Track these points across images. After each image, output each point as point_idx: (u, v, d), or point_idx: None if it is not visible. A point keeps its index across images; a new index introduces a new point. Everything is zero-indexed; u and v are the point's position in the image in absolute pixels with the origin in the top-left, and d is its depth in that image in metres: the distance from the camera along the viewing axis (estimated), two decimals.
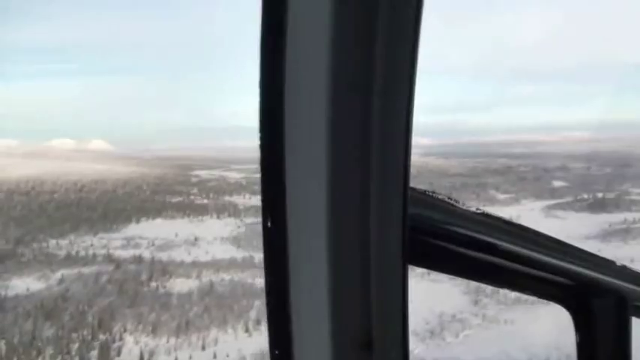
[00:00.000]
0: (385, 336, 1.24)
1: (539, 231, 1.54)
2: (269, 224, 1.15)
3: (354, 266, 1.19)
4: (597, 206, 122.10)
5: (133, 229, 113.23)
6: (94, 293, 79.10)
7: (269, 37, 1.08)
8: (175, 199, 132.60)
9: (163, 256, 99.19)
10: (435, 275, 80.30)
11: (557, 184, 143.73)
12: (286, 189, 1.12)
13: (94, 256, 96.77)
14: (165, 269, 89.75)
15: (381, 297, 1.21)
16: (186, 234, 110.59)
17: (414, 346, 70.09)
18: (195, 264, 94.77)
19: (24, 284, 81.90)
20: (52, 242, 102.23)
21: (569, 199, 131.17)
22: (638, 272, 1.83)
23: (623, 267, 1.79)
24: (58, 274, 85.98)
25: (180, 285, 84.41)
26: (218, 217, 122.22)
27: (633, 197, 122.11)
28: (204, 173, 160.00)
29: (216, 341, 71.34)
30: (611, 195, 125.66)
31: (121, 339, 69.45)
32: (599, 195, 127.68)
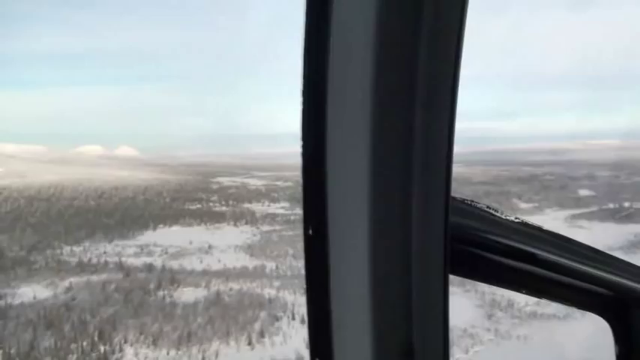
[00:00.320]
0: (426, 346, 1.24)
1: (578, 240, 1.51)
2: (310, 232, 1.16)
3: (395, 275, 1.19)
4: (623, 216, 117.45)
5: (148, 237, 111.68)
6: (98, 302, 77.39)
7: (312, 45, 1.06)
8: (194, 206, 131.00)
9: (175, 264, 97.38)
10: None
11: (582, 192, 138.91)
12: (328, 197, 1.12)
13: (106, 263, 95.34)
14: (174, 278, 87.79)
15: (423, 307, 1.21)
16: (201, 242, 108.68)
17: None
18: (205, 273, 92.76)
19: (31, 292, 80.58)
20: (66, 249, 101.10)
21: (594, 208, 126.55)
22: None
23: None
24: (67, 282, 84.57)
25: (187, 294, 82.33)
26: (235, 225, 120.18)
27: None
28: (225, 180, 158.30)
29: (217, 354, 68.94)
30: (638, 205, 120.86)
31: (120, 350, 67.46)
32: (626, 204, 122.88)
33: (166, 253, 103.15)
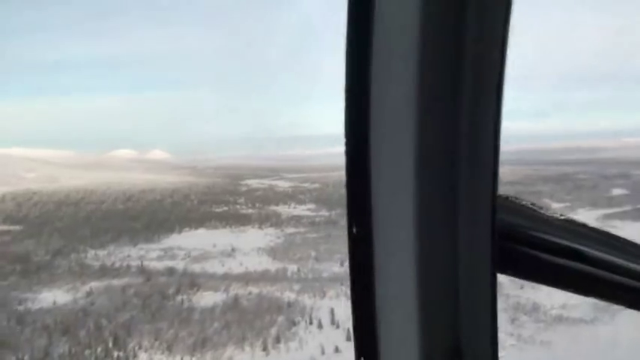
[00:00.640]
0: (474, 346, 1.24)
1: (625, 238, 1.46)
2: (354, 230, 1.16)
3: (442, 274, 1.19)
4: None
5: (173, 240, 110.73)
6: (116, 307, 76.44)
7: (355, 43, 1.06)
8: (220, 209, 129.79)
9: (197, 267, 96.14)
10: None
11: (616, 191, 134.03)
12: (372, 195, 1.11)
13: (128, 267, 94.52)
14: (194, 282, 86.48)
15: (470, 306, 1.21)
16: (225, 245, 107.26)
17: None
18: (226, 276, 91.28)
19: (52, 297, 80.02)
20: (91, 253, 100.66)
21: (627, 207, 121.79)
22: None
23: None
24: (88, 287, 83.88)
25: (205, 299, 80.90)
26: (260, 227, 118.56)
27: None
28: (254, 182, 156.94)
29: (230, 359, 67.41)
30: None
31: (134, 356, 66.26)
32: None
33: (189, 256, 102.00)
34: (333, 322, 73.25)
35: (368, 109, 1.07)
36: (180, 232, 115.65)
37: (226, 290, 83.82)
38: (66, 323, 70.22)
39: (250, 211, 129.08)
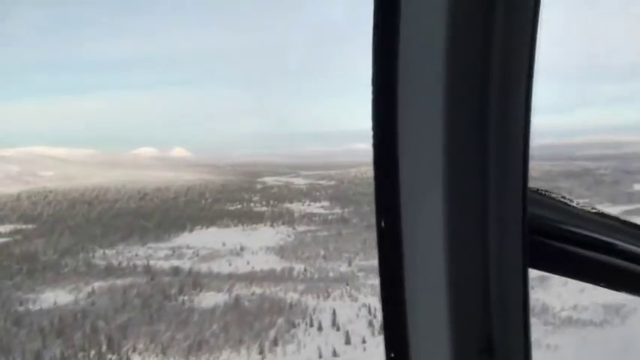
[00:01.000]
0: (506, 342, 1.21)
1: None
2: (382, 224, 1.13)
3: (472, 270, 1.16)
4: None
5: (183, 239, 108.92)
6: (116, 308, 74.56)
7: (382, 35, 1.04)
8: (234, 207, 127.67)
9: (203, 267, 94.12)
10: None
11: (638, 187, 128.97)
12: (400, 189, 1.10)
13: (134, 267, 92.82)
14: (198, 282, 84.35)
15: (502, 302, 1.18)
16: (234, 243, 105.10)
17: None
18: (230, 276, 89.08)
19: (54, 297, 78.53)
20: (99, 252, 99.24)
21: None
22: None
23: None
24: (91, 287, 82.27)
25: (207, 299, 78.67)
26: (271, 226, 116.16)
27: None
28: (270, 180, 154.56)
29: None
30: None
31: (127, 359, 64.24)
32: None
33: (197, 255, 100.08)
34: (334, 324, 70.49)
35: (395, 102, 1.05)
36: (191, 230, 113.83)
37: (229, 290, 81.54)
38: (62, 325, 68.49)
39: (264, 209, 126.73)
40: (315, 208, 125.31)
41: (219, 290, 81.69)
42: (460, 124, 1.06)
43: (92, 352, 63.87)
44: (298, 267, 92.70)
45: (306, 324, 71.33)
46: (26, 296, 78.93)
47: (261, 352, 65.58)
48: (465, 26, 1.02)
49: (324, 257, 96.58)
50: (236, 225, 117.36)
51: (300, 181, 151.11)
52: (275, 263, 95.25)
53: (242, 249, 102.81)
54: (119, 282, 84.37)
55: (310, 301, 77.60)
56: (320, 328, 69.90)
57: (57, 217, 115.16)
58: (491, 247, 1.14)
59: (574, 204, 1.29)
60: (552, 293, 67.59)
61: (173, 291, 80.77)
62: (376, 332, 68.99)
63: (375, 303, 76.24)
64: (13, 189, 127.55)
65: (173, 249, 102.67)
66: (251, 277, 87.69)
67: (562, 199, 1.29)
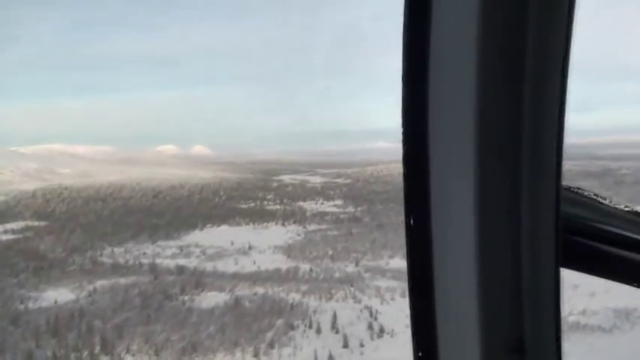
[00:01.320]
0: (538, 341, 1.18)
1: None
2: (411, 222, 1.11)
3: (503, 269, 1.13)
4: None
5: (193, 237, 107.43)
6: (115, 307, 73.01)
7: (412, 29, 1.03)
8: (247, 205, 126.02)
9: (209, 266, 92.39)
10: None
11: None
12: (430, 186, 1.08)
13: (140, 265, 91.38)
14: (201, 282, 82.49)
15: (533, 301, 1.15)
16: (243, 242, 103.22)
17: None
18: (235, 276, 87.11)
19: (55, 295, 77.37)
20: (108, 250, 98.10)
21: None
22: None
23: None
24: (94, 286, 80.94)
25: (208, 299, 76.73)
26: (282, 224, 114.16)
27: None
28: (287, 178, 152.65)
29: None
30: None
31: None
32: None
33: (204, 254, 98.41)
34: (334, 326, 68.03)
35: (425, 98, 1.04)
36: (202, 228, 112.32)
37: (231, 291, 79.44)
38: (59, 324, 67.10)
39: (277, 207, 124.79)
40: (328, 206, 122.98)
41: (222, 290, 79.69)
42: (492, 120, 1.04)
43: (85, 353, 62.32)
44: (304, 267, 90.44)
45: (305, 326, 69.00)
46: (28, 294, 77.89)
47: (255, 355, 63.43)
48: (497, 25, 1.01)
49: (332, 257, 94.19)
50: (247, 223, 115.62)
51: (316, 180, 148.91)
52: (281, 263, 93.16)
53: (250, 248, 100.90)
54: (122, 281, 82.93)
55: (312, 302, 75.25)
56: (319, 331, 67.52)
57: (70, 214, 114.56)
58: (524, 246, 1.12)
59: (607, 202, 1.26)
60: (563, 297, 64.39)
61: (175, 290, 78.99)
62: (375, 336, 66.49)
63: (378, 305, 73.77)
64: (30, 186, 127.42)
65: (181, 247, 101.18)
66: (255, 277, 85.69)
67: (594, 197, 1.26)
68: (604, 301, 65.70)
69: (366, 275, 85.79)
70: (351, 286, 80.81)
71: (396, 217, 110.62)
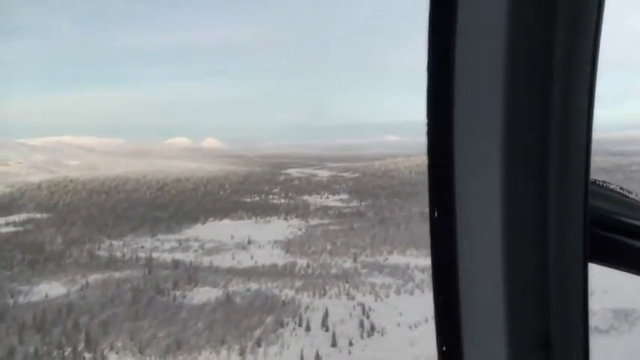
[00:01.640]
0: (565, 337, 1.16)
1: None
2: (436, 215, 1.09)
3: (530, 263, 1.11)
4: None
5: (193, 231, 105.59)
6: (104, 302, 71.25)
7: (438, 24, 1.01)
8: (251, 199, 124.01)
9: (205, 260, 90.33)
10: None
11: None
12: (455, 178, 1.06)
13: (136, 259, 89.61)
14: (195, 276, 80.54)
15: (561, 297, 1.13)
16: (243, 236, 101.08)
17: None
18: (229, 271, 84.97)
19: (47, 290, 75.84)
20: (106, 243, 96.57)
21: None
22: None
23: None
24: (87, 279, 79.31)
25: (200, 295, 74.71)
26: (285, 219, 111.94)
27: None
28: (294, 172, 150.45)
29: None
30: None
31: (103, 359, 60.64)
32: None
33: (203, 248, 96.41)
34: (324, 324, 65.61)
35: (451, 93, 1.03)
36: (204, 222, 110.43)
37: (225, 286, 77.39)
38: (45, 320, 65.45)
39: (281, 201, 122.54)
40: (332, 200, 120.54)
41: (215, 285, 77.69)
42: (519, 114, 1.02)
43: (68, 350, 60.52)
44: (301, 262, 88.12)
45: (295, 323, 66.67)
46: (20, 288, 76.46)
47: (241, 354, 61.20)
48: (526, 22, 0.99)
49: (330, 252, 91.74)
50: (249, 217, 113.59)
51: (323, 173, 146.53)
52: (279, 258, 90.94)
53: (249, 242, 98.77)
54: (116, 275, 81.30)
55: (304, 299, 72.95)
56: (308, 329, 65.15)
57: (72, 206, 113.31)
58: (551, 240, 1.10)
59: (633, 195, 1.23)
60: None
61: (167, 285, 77.10)
62: (365, 334, 63.99)
63: (371, 302, 71.25)
64: (36, 178, 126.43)
65: (180, 241, 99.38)
66: (251, 273, 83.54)
67: (620, 191, 1.23)
68: (603, 301, 62.58)
69: (363, 271, 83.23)
70: (346, 282, 78.34)
71: (400, 212, 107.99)
